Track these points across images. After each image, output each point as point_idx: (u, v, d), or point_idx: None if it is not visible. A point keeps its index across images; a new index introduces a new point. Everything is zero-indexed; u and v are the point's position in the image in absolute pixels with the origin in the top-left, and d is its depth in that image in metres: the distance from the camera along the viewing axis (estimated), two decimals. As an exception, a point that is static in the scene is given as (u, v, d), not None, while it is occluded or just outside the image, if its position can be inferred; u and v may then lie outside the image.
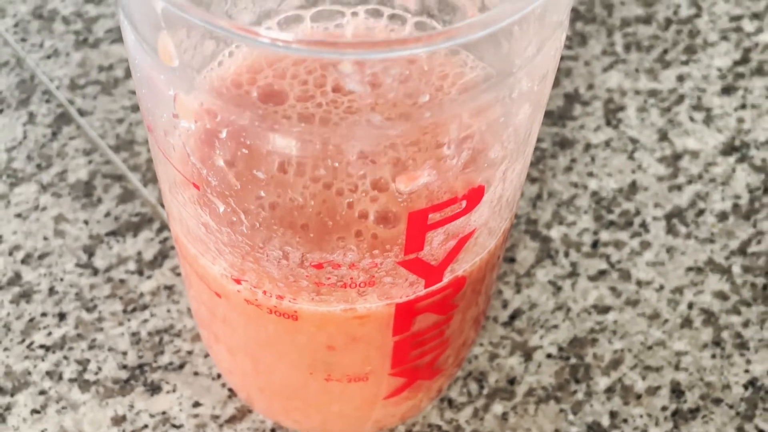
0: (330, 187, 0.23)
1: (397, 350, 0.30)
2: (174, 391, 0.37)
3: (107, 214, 0.42)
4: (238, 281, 0.27)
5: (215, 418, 0.37)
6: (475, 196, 0.24)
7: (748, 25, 0.49)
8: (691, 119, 0.46)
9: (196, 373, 0.38)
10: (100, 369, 0.38)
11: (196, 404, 0.37)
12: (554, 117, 0.45)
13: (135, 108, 0.45)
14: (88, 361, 0.38)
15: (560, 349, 0.39)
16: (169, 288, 0.40)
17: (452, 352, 0.34)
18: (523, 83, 0.22)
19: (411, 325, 0.29)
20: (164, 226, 0.41)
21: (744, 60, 0.48)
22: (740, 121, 0.46)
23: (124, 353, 0.38)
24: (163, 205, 0.42)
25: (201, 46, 0.31)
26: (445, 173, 0.23)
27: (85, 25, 0.48)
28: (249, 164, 0.23)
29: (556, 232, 0.42)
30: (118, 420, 0.36)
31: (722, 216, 0.43)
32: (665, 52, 0.48)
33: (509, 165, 0.25)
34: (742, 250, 0.42)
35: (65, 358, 0.38)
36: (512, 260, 0.41)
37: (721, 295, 0.41)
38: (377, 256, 0.25)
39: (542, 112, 0.26)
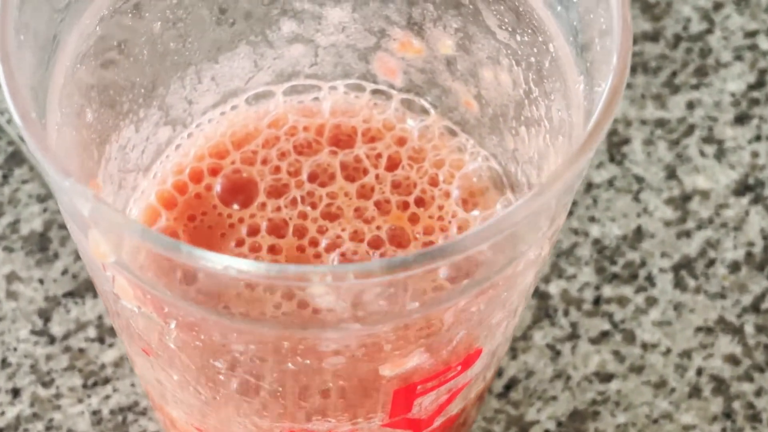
0: (300, 374, 0.20)
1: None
2: (139, 480, 0.34)
3: (64, 272, 0.38)
4: (200, 430, 0.24)
5: None
6: (471, 358, 0.21)
7: (764, 42, 0.45)
8: (702, 153, 0.42)
9: (163, 459, 0.35)
10: (58, 455, 0.35)
11: (164, 495, 0.34)
12: (553, 151, 0.42)
13: (94, 143, 0.41)
14: (45, 445, 0.35)
15: (559, 424, 0.36)
16: (133, 358, 0.36)
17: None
18: (529, 255, 0.19)
19: (398, 463, 0.26)
20: (127, 284, 0.38)
21: (759, 83, 0.44)
22: (754, 155, 0.42)
23: (85, 435, 0.35)
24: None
25: (154, 136, 0.27)
26: (437, 352, 0.20)
27: (38, 45, 0.43)
28: (204, 354, 0.19)
29: (554, 287, 0.39)
30: None
31: (734, 267, 0.39)
32: (674, 74, 0.44)
33: (512, 319, 0.21)
34: (755, 307, 0.39)
35: (20, 442, 0.35)
36: (507, 320, 0.38)
37: (732, 359, 0.38)
38: (358, 423, 0.22)
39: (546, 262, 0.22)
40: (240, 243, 0.28)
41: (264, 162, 0.28)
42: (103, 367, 0.36)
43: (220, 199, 0.28)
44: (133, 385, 0.36)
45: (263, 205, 0.28)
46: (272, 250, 0.28)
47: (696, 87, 0.44)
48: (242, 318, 0.17)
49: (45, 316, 0.37)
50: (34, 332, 0.37)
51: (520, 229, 0.16)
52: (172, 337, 0.19)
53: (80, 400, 0.36)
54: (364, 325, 0.17)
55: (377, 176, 0.28)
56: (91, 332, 0.37)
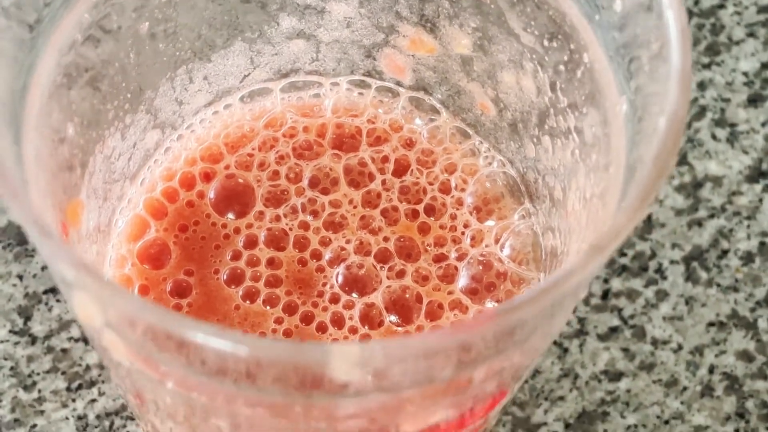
0: None
1: None
2: (128, 490, 0.33)
3: (45, 267, 0.36)
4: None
5: None
6: (494, 402, 0.19)
7: (779, 18, 0.43)
8: (714, 137, 0.40)
9: (153, 467, 0.33)
10: (42, 463, 0.33)
11: (155, 505, 0.32)
12: (559, 134, 0.40)
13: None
14: (27, 453, 0.33)
15: (567, 425, 0.35)
16: (120, 360, 0.35)
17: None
18: (566, 302, 0.17)
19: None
20: (112, 280, 0.36)
21: (773, 62, 0.42)
22: (768, 139, 0.40)
23: (70, 442, 0.33)
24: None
25: (141, 141, 0.25)
26: (462, 407, 0.18)
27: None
28: (205, 413, 0.17)
29: (561, 281, 0.37)
30: None
31: (747, 258, 0.38)
32: (685, 52, 0.42)
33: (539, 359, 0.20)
34: (769, 300, 0.37)
35: (1, 450, 0.33)
36: (512, 316, 0.36)
37: (746, 356, 0.36)
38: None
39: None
40: (236, 256, 0.26)
41: (261, 166, 0.26)
42: (88, 369, 0.34)
43: (214, 208, 0.26)
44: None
45: (261, 214, 0.26)
46: (271, 263, 0.26)
47: (707, 66, 0.42)
48: (250, 387, 0.15)
49: (25, 314, 0.35)
50: (13, 332, 0.35)
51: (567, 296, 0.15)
52: (168, 394, 0.17)
53: (64, 405, 0.34)
54: (388, 393, 0.16)
55: (384, 182, 0.26)
56: (75, 331, 0.35)
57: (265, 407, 0.16)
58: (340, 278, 0.25)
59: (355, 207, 0.26)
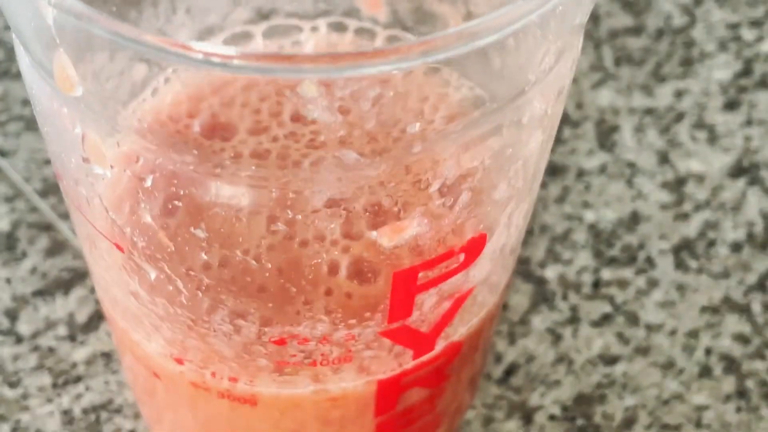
0: (291, 243, 0.18)
1: (381, 432, 0.24)
2: (114, 479, 0.32)
3: (33, 270, 0.36)
4: (180, 361, 0.22)
5: None
6: (475, 246, 0.19)
7: (747, 34, 0.44)
8: (693, 139, 0.41)
9: (140, 457, 0.32)
10: (25, 456, 0.32)
11: (141, 494, 0.31)
12: (541, 141, 0.40)
13: (65, 146, 0.39)
14: (11, 447, 0.32)
15: (564, 408, 0.34)
16: (107, 355, 0.34)
17: (444, 424, 0.29)
18: (535, 104, 0.17)
19: (396, 403, 0.23)
20: (100, 282, 0.36)
21: (746, 71, 0.43)
22: (747, 139, 0.41)
23: (55, 436, 0.32)
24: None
25: (129, 70, 0.26)
26: (438, 221, 0.18)
27: (6, 54, 0.42)
28: (185, 220, 0.17)
29: (551, 272, 0.37)
30: None
31: (736, 247, 0.38)
32: (659, 65, 0.43)
33: (516, 206, 0.20)
34: (761, 285, 0.37)
35: (-16, 444, 0.32)
36: (504, 306, 0.36)
37: (742, 338, 0.36)
38: (354, 327, 0.20)
39: (552, 140, 0.21)
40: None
41: (244, 105, 0.27)
42: (74, 365, 0.34)
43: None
44: (106, 383, 0.33)
45: (244, 143, 0.26)
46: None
47: (682, 77, 0.43)
48: (222, 155, 0.15)
49: (12, 315, 0.35)
50: (0, 332, 0.35)
51: (528, 36, 0.15)
52: (148, 209, 0.17)
53: (50, 400, 0.33)
54: (359, 156, 0.16)
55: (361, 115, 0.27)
56: (62, 330, 0.35)
57: (241, 190, 0.16)
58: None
59: (335, 133, 0.26)
